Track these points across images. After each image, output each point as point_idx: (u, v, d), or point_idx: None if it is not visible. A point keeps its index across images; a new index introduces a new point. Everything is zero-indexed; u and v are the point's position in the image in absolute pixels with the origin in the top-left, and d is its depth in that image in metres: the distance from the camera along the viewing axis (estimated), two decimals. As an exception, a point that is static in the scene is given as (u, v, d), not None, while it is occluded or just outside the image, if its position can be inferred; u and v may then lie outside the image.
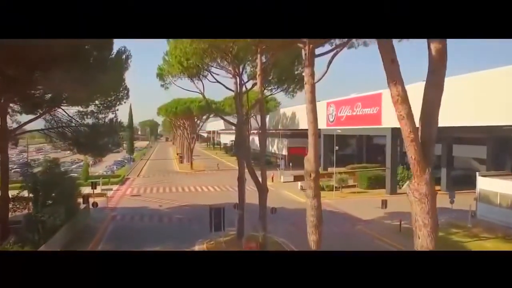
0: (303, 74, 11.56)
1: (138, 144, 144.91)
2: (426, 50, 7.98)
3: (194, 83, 22.51)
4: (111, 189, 39.06)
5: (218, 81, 21.99)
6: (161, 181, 50.85)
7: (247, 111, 23.68)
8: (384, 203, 25.87)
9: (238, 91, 21.17)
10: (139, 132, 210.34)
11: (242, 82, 21.42)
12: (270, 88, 25.23)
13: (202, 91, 22.76)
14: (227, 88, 22.23)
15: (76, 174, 53.66)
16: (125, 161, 77.62)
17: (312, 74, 11.40)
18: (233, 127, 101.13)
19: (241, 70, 21.45)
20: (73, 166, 69.04)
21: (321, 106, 55.06)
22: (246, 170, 21.37)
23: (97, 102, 23.86)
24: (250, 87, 23.41)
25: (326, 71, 11.22)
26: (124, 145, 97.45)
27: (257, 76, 18.57)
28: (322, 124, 55.17)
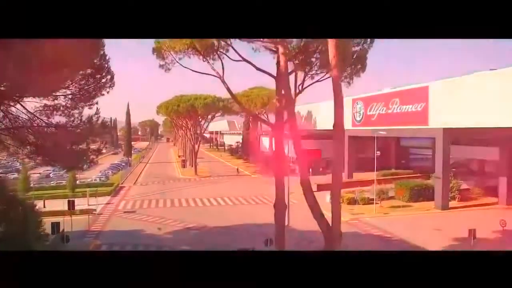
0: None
1: (138, 145, 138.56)
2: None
3: (208, 61, 15.07)
4: (95, 210, 31.23)
5: (244, 59, 14.63)
6: (161, 191, 43.47)
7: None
8: (473, 233, 18.42)
9: (278, 71, 13.76)
10: (139, 133, 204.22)
11: (284, 58, 14.02)
12: (311, 73, 17.83)
13: (221, 75, 15.27)
14: (258, 69, 14.76)
15: (64, 182, 46.90)
16: (123, 164, 70.77)
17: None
18: (237, 128, 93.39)
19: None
20: (63, 171, 61.67)
21: (345, 104, 48.13)
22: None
23: (67, 92, 16.59)
24: (292, 70, 15.90)
25: None
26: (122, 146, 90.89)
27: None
28: (347, 124, 48.16)
